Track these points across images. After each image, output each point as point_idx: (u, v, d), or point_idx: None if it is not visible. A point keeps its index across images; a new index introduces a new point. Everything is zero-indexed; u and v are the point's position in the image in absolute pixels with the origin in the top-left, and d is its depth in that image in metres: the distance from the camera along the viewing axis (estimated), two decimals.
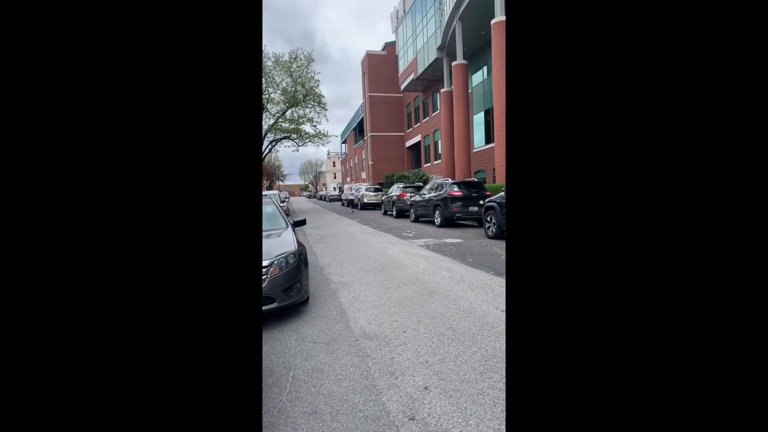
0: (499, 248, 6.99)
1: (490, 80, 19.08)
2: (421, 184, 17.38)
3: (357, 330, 3.20)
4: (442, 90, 22.24)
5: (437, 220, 10.84)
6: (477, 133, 21.39)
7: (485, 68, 20.21)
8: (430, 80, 26.04)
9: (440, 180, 11.71)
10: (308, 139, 22.56)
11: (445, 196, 10.54)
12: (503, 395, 2.12)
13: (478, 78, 21.17)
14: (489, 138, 19.74)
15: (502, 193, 8.00)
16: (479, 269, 5.32)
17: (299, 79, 20.67)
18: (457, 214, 10.40)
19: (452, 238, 8.58)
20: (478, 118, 21.25)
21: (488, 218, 8.34)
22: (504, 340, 2.86)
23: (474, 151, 21.14)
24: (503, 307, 3.63)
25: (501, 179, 13.80)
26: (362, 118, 38.46)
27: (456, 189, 10.46)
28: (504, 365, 2.46)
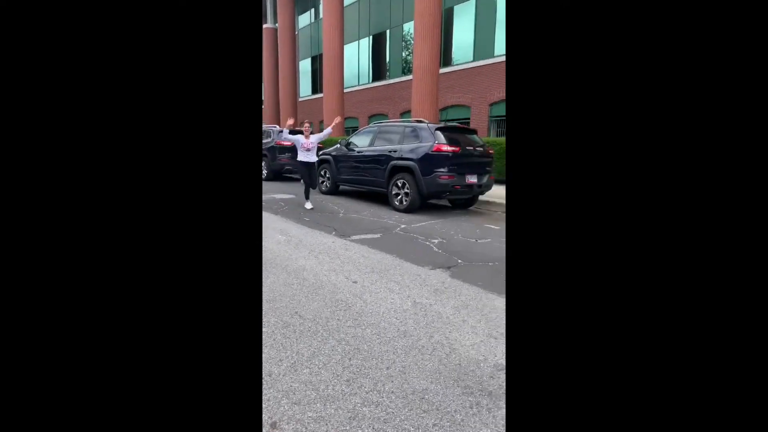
0: (336, 205, 6.48)
1: (318, 24, 17.85)
2: None
3: None
4: (264, 26, 19.76)
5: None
6: (303, 80, 20.11)
7: (313, 10, 18.76)
8: None
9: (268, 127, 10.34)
10: None
11: (272, 146, 9.34)
12: (384, 415, 1.54)
13: (305, 20, 19.55)
14: (316, 88, 18.81)
15: (338, 145, 7.45)
16: (319, 230, 4.67)
17: None
18: (287, 167, 9.43)
19: (283, 193, 7.65)
20: (305, 65, 19.92)
21: (322, 172, 7.72)
22: (362, 324, 2.30)
23: (300, 100, 19.91)
24: (354, 277, 3.08)
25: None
26: None
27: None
28: (382, 364, 1.89)
